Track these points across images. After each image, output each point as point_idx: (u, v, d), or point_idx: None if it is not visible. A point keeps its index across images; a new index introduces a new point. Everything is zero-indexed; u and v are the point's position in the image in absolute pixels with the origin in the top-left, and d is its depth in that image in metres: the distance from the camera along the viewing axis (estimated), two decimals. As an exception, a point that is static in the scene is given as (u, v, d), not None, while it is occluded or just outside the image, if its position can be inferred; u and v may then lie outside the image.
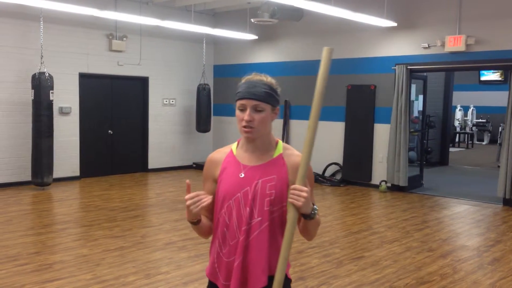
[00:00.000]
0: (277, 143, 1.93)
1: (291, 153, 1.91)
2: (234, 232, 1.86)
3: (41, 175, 8.11)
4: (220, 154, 1.97)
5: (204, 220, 1.94)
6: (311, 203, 1.78)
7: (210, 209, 1.96)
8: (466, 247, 5.57)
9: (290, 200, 1.73)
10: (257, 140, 1.87)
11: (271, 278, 1.82)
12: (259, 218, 1.82)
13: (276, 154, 1.89)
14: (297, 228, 1.84)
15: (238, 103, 1.83)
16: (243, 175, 1.86)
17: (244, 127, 1.82)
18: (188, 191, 1.81)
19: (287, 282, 1.88)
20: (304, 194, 1.71)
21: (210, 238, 2.01)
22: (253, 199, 1.83)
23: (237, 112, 1.85)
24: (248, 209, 1.83)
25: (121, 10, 9.07)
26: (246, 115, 1.80)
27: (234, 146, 1.97)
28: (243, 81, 1.86)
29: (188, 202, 1.78)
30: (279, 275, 1.74)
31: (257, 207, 1.83)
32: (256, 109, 1.81)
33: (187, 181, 1.84)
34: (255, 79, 1.84)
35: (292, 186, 1.74)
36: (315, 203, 1.87)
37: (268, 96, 1.82)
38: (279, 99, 1.90)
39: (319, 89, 1.78)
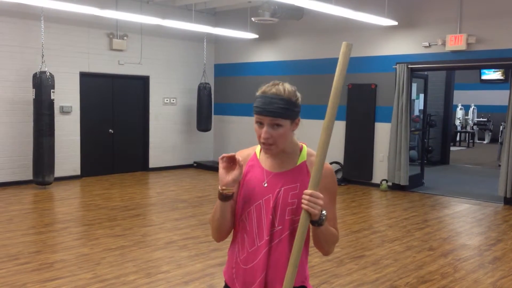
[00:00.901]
0: (301, 149, 1.87)
1: (313, 159, 1.83)
2: (253, 239, 1.81)
3: (42, 174, 8.12)
4: (244, 154, 1.92)
5: (231, 209, 1.83)
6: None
7: (233, 205, 1.88)
8: (467, 246, 5.57)
9: (305, 206, 1.65)
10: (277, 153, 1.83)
11: None
12: (280, 227, 1.78)
13: (299, 161, 1.83)
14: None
15: (256, 117, 1.77)
16: (266, 184, 1.82)
17: (263, 143, 1.77)
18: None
19: None
20: (321, 202, 1.65)
21: (212, 239, 1.96)
22: (274, 207, 1.78)
23: (255, 126, 1.78)
24: (269, 217, 1.78)
25: (122, 9, 9.07)
26: (263, 133, 1.74)
27: (258, 149, 1.91)
28: (259, 92, 1.78)
29: (222, 165, 1.72)
30: (287, 283, 1.68)
31: (278, 215, 1.78)
32: (273, 125, 1.74)
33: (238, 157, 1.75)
34: (271, 92, 1.75)
35: (308, 192, 1.65)
36: (336, 217, 1.84)
37: (285, 112, 1.73)
38: (299, 109, 1.80)
39: (337, 86, 1.69)
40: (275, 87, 1.76)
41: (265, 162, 1.86)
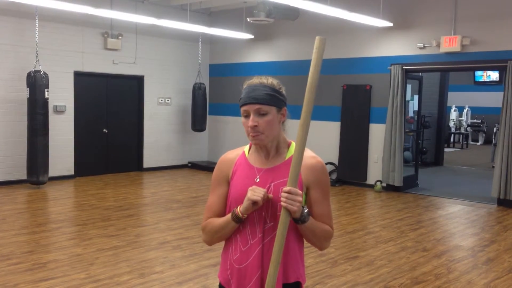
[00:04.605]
0: (289, 144, 1.87)
1: (304, 154, 1.81)
2: (246, 238, 1.79)
3: (36, 174, 8.08)
4: (232, 155, 1.91)
5: None
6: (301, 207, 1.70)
7: (223, 213, 1.87)
8: (460, 247, 5.58)
9: (284, 204, 1.64)
10: (267, 144, 1.82)
11: (286, 286, 1.77)
12: (272, 223, 1.76)
13: (288, 156, 1.83)
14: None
15: (242, 109, 1.78)
16: (258, 179, 1.80)
17: (251, 133, 1.77)
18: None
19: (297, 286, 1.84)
20: (299, 198, 1.65)
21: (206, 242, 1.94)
22: (266, 203, 1.76)
23: (243, 119, 1.79)
24: (261, 214, 1.77)
25: (117, 8, 9.04)
26: (250, 121, 1.75)
27: (246, 148, 1.91)
28: (244, 86, 1.81)
29: (261, 194, 1.70)
30: (270, 279, 1.67)
31: (269, 211, 1.76)
32: (259, 113, 1.75)
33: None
34: (255, 82, 1.79)
35: (286, 189, 1.65)
36: (331, 212, 1.84)
37: (270, 98, 1.75)
38: (285, 99, 1.83)
39: (312, 82, 1.67)
40: (258, 78, 1.80)
41: (254, 160, 1.86)
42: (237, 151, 1.93)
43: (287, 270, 1.78)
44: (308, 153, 1.82)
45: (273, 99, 1.76)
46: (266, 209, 1.77)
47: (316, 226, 1.77)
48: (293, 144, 1.86)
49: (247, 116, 1.78)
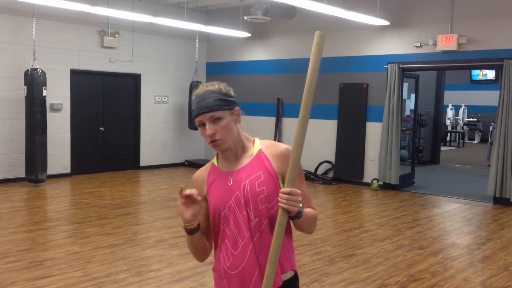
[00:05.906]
0: (253, 141, 1.89)
1: (269, 144, 1.86)
2: (235, 241, 1.79)
3: (35, 172, 8.08)
4: (202, 172, 1.93)
5: (200, 234, 1.85)
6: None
7: (205, 230, 1.90)
8: (456, 245, 5.61)
9: (284, 206, 1.64)
10: (230, 146, 1.83)
11: (286, 283, 1.80)
12: (257, 219, 1.77)
13: (255, 151, 1.84)
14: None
15: (196, 120, 1.80)
16: (231, 182, 1.82)
17: (211, 142, 1.78)
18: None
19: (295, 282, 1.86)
20: (300, 198, 1.66)
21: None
22: (246, 201, 1.77)
23: (199, 130, 1.81)
24: (243, 213, 1.77)
25: (113, 6, 9.01)
26: (207, 130, 1.76)
27: (214, 159, 1.93)
28: (193, 97, 1.83)
29: (180, 201, 1.74)
30: (268, 281, 1.67)
31: (251, 208, 1.77)
32: (214, 120, 1.76)
33: (182, 186, 1.75)
34: (202, 91, 1.80)
35: (286, 190, 1.64)
36: (309, 193, 1.85)
37: (220, 102, 1.76)
38: (235, 99, 1.83)
39: (311, 79, 1.65)
40: (205, 87, 1.82)
41: (223, 166, 1.87)
42: (206, 167, 1.94)
43: (283, 261, 1.80)
44: (268, 143, 1.86)
45: (224, 102, 1.78)
46: (248, 206, 1.77)
47: (308, 215, 1.79)
48: (257, 141, 1.88)
49: (202, 125, 1.79)
